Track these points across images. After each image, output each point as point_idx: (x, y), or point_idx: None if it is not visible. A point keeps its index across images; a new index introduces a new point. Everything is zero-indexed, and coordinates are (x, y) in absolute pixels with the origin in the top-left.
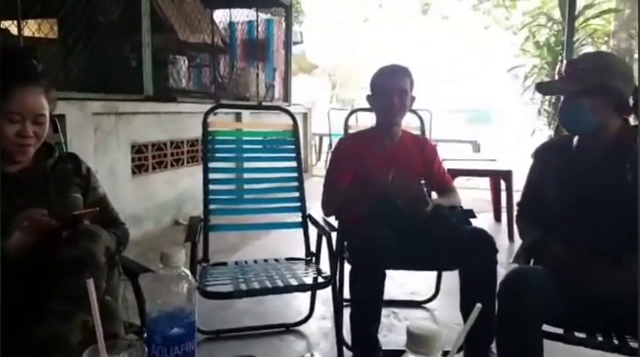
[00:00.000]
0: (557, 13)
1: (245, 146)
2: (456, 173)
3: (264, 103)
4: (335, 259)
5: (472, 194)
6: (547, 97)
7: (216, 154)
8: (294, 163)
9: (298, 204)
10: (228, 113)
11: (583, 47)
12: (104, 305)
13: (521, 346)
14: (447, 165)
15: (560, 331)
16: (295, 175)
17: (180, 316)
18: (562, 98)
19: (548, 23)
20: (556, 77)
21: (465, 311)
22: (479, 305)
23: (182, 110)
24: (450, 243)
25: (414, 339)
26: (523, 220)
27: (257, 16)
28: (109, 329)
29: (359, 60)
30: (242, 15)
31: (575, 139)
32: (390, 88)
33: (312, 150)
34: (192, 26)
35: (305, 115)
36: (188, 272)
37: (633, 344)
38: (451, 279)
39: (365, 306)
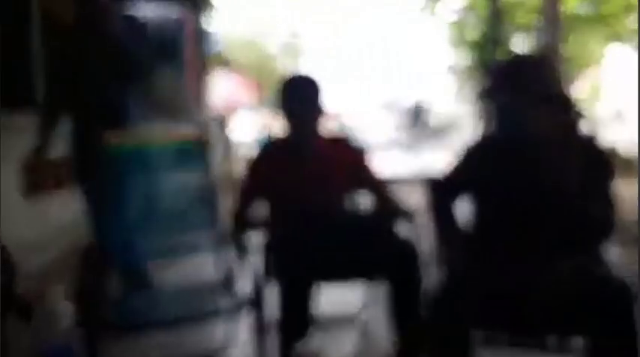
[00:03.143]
0: (484, 12)
1: (146, 160)
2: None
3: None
4: (260, 279)
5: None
6: (478, 95)
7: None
8: (205, 178)
9: (212, 223)
10: None
11: (512, 44)
12: None
13: (451, 351)
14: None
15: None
16: (207, 191)
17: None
18: (498, 107)
19: (477, 22)
20: (487, 82)
21: (394, 321)
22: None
23: None
24: (375, 254)
25: None
26: (442, 200)
27: (164, 14)
28: None
29: (282, 60)
30: (150, 13)
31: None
32: (294, 108)
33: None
34: None
35: (221, 122)
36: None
37: (550, 341)
38: (381, 290)
39: (294, 323)
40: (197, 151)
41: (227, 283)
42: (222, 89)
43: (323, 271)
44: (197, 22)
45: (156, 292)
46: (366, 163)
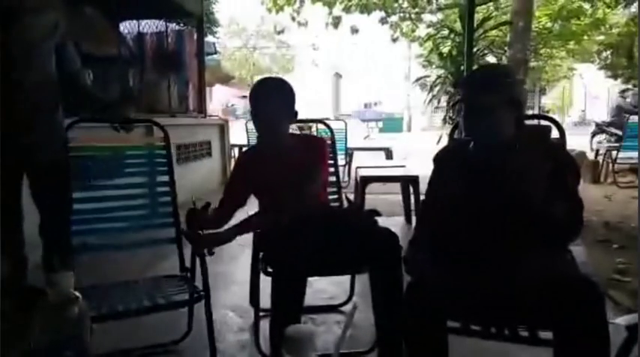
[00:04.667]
0: (458, 26)
1: (111, 163)
2: (370, 180)
3: (177, 115)
4: (252, 270)
5: (387, 198)
6: (451, 104)
7: (78, 173)
8: (166, 178)
9: (171, 220)
10: (139, 126)
11: (484, 57)
12: None
13: (428, 342)
14: (361, 172)
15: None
16: (167, 189)
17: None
18: (466, 107)
19: (451, 35)
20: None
21: (377, 310)
22: (355, 306)
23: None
24: (357, 245)
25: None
26: (415, 253)
27: (166, 28)
28: None
29: (276, 69)
30: (151, 26)
31: (472, 142)
32: (259, 111)
33: (230, 160)
34: (96, 38)
35: (222, 127)
36: (79, 295)
37: (523, 333)
38: (366, 281)
39: (287, 315)
40: (160, 154)
41: (185, 274)
42: (221, 98)
43: (313, 268)
44: (199, 36)
45: (118, 284)
46: (326, 149)
